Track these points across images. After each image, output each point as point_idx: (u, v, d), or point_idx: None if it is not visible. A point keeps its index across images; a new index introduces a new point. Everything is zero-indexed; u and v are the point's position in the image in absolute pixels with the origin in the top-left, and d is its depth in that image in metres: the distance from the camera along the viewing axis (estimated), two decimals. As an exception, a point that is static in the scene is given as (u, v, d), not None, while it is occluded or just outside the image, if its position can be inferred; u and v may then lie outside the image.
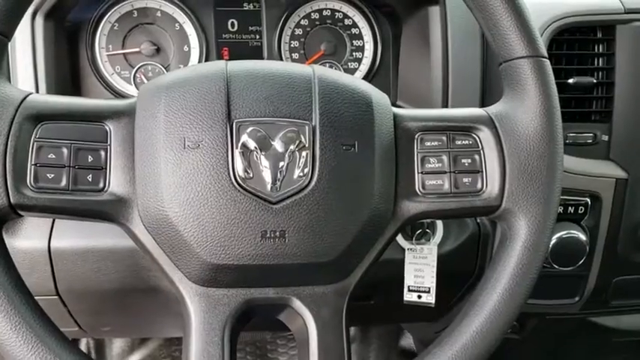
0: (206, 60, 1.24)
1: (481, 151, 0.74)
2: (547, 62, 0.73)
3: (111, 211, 0.68)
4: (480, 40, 1.14)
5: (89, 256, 1.05)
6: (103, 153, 0.68)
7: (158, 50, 1.23)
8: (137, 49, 1.21)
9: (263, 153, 0.66)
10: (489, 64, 1.15)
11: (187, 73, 0.71)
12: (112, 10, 1.20)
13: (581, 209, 1.11)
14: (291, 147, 0.67)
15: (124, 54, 1.22)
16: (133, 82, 1.22)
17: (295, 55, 1.29)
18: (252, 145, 0.66)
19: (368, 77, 1.31)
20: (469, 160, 0.74)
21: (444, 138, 0.75)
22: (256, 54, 1.27)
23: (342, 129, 0.69)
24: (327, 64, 1.30)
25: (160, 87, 0.70)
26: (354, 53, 1.31)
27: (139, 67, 1.22)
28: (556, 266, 1.11)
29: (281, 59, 1.28)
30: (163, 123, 0.67)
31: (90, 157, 0.67)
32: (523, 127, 0.73)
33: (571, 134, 1.11)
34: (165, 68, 1.23)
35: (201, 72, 0.70)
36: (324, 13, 1.29)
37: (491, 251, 1.17)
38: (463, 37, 1.13)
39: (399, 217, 0.72)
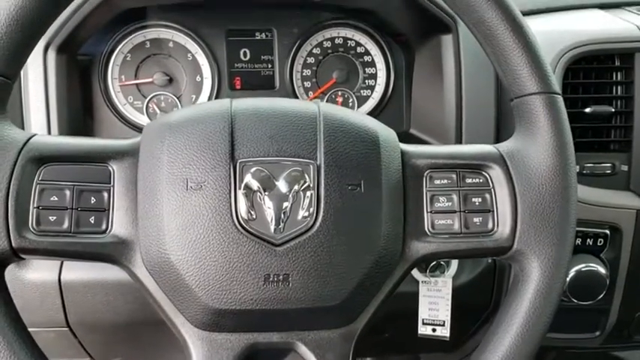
0: (218, 89, 1.24)
1: (492, 190, 0.72)
2: (559, 98, 0.70)
3: (113, 253, 0.67)
4: (493, 69, 1.12)
5: (99, 289, 1.05)
6: (105, 194, 0.67)
7: (171, 80, 1.23)
8: (150, 80, 1.22)
9: (267, 193, 0.65)
10: (504, 93, 1.13)
11: (191, 112, 0.71)
12: (125, 42, 1.21)
13: (601, 241, 1.07)
14: (295, 187, 0.66)
15: (136, 84, 1.22)
16: (145, 113, 1.22)
17: (307, 84, 1.28)
18: (255, 185, 0.65)
19: (381, 105, 1.30)
20: (480, 199, 0.72)
21: (454, 176, 0.73)
22: (268, 83, 1.27)
23: (347, 168, 0.68)
24: (340, 93, 1.29)
25: (163, 126, 0.69)
26: (366, 81, 1.30)
27: (151, 98, 1.23)
28: (575, 300, 1.07)
29: (293, 88, 1.27)
30: (166, 164, 0.66)
31: (93, 198, 0.67)
32: (535, 165, 0.70)
33: (589, 164, 1.08)
34: (177, 98, 1.23)
35: (206, 111, 0.70)
36: (337, 41, 1.28)
37: (508, 284, 1.14)
38: (476, 65, 1.12)
39: (407, 258, 0.70)
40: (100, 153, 0.69)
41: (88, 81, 1.20)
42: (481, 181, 0.72)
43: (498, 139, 1.13)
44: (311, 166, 0.67)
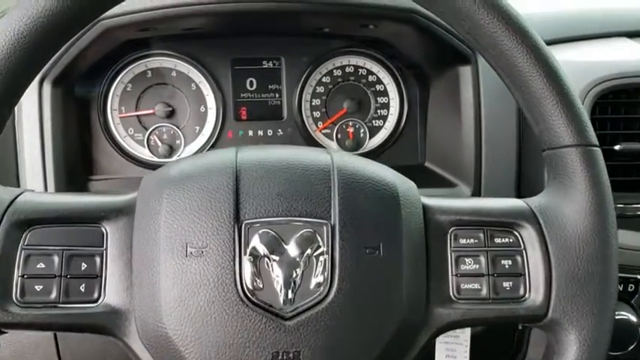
0: (223, 120, 1.18)
1: (523, 252, 0.65)
2: (598, 152, 0.64)
3: (106, 324, 0.60)
4: (515, 102, 1.05)
5: (95, 337, 0.98)
6: (98, 259, 0.61)
7: (173, 111, 1.17)
8: (151, 111, 1.16)
9: (275, 259, 0.59)
10: (526, 127, 1.06)
11: (192, 165, 0.64)
12: (125, 71, 1.15)
13: (631, 287, 1.00)
14: (308, 251, 0.59)
15: (137, 116, 1.16)
16: (146, 145, 1.17)
17: (317, 114, 1.22)
18: (262, 250, 0.59)
19: (394, 136, 1.23)
20: (510, 262, 0.65)
21: (481, 235, 0.66)
22: (276, 113, 1.21)
23: (365, 229, 0.61)
24: (350, 123, 1.23)
25: (161, 182, 0.63)
26: (378, 111, 1.24)
27: (152, 130, 1.17)
28: (604, 350, 1.00)
29: (302, 118, 1.21)
30: (164, 225, 0.60)
31: (83, 264, 0.60)
32: (571, 225, 0.63)
33: (619, 205, 1.01)
34: (180, 130, 1.17)
35: (208, 164, 0.63)
36: (347, 69, 1.22)
37: (529, 331, 1.07)
38: (497, 98, 1.05)
39: (430, 327, 0.64)
40: (91, 212, 0.62)
41: (86, 113, 1.14)
42: (511, 241, 0.66)
43: (520, 176, 1.06)
44: (324, 227, 0.60)
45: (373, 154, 1.23)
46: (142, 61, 1.15)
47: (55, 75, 0.99)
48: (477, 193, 1.06)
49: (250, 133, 1.20)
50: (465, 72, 1.06)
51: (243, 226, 0.59)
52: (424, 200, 0.68)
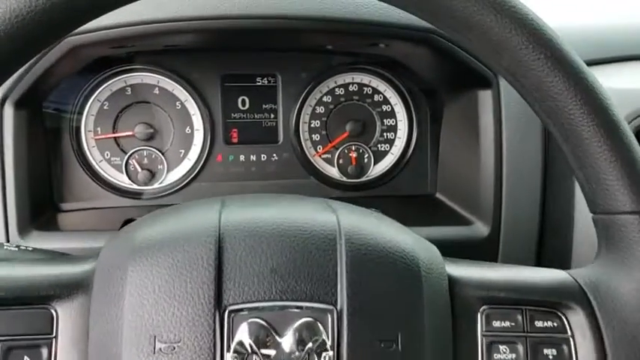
0: (211, 143, 1.06)
1: (571, 340, 0.53)
2: None
3: None
4: (540, 129, 0.94)
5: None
6: (45, 351, 0.49)
7: (155, 133, 1.04)
8: (130, 133, 1.03)
9: (267, 356, 0.47)
10: (552, 160, 0.94)
11: (164, 229, 0.52)
12: (102, 88, 1.02)
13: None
14: (308, 345, 0.47)
15: (114, 138, 1.04)
16: (124, 171, 1.04)
17: (316, 137, 1.10)
18: (250, 344, 0.47)
19: (401, 162, 1.11)
20: (554, 352, 0.53)
21: (519, 317, 0.54)
22: (270, 136, 1.09)
23: (379, 315, 0.49)
24: (353, 147, 1.10)
25: (124, 253, 0.50)
26: (385, 134, 1.11)
27: (132, 153, 1.04)
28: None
29: (299, 141, 1.09)
30: (128, 311, 0.47)
31: (26, 358, 0.48)
32: (631, 309, 0.52)
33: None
34: (162, 154, 1.05)
35: (184, 230, 0.51)
36: (351, 88, 1.10)
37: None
38: (520, 126, 0.93)
39: None
40: (38, 290, 0.50)
41: (57, 135, 1.01)
42: (556, 325, 0.54)
43: (544, 216, 0.95)
44: (329, 315, 0.48)
45: (378, 182, 1.11)
46: (120, 77, 1.03)
47: (18, 95, 0.86)
48: (495, 233, 0.94)
49: (242, 157, 1.08)
50: (485, 96, 0.93)
51: (226, 313, 0.47)
52: (450, 270, 0.56)
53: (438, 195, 1.09)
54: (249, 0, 0.79)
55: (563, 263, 0.92)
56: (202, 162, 1.06)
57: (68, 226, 0.96)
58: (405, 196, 1.11)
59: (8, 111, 0.86)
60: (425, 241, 0.58)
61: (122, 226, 0.89)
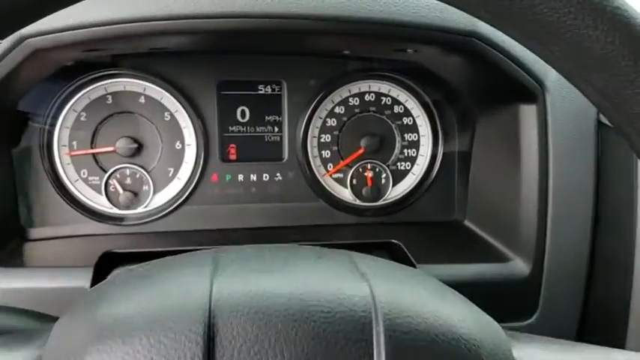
0: (205, 160, 0.91)
1: None
2: None
3: None
4: (593, 152, 0.79)
5: None
6: None
7: (140, 148, 0.90)
8: (111, 148, 0.89)
9: None
10: (605, 183, 0.80)
11: (137, 306, 0.38)
12: (78, 96, 0.88)
13: None
14: None
15: (93, 154, 0.89)
16: (104, 193, 0.89)
17: (326, 153, 0.95)
18: None
19: (424, 184, 0.97)
20: None
21: None
22: (274, 152, 0.94)
23: None
24: (369, 166, 0.96)
25: (82, 337, 0.36)
26: (405, 150, 0.97)
27: (113, 172, 0.90)
28: None
29: (307, 159, 0.94)
30: None
31: None
32: None
33: None
34: (148, 173, 0.90)
35: (163, 310, 0.37)
36: (367, 97, 0.95)
37: None
38: (569, 146, 0.79)
39: None
40: None
41: (25, 150, 0.87)
42: None
43: (596, 248, 0.80)
44: None
45: (397, 206, 0.97)
46: (100, 83, 0.88)
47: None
48: (537, 272, 0.80)
49: (240, 177, 0.93)
50: (529, 111, 0.79)
51: None
52: (518, 355, 0.42)
53: (467, 223, 0.95)
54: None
55: (619, 311, 0.77)
56: (194, 182, 0.91)
57: (36, 259, 0.82)
58: (427, 223, 0.97)
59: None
60: (484, 316, 0.43)
61: (99, 260, 0.75)
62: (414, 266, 0.78)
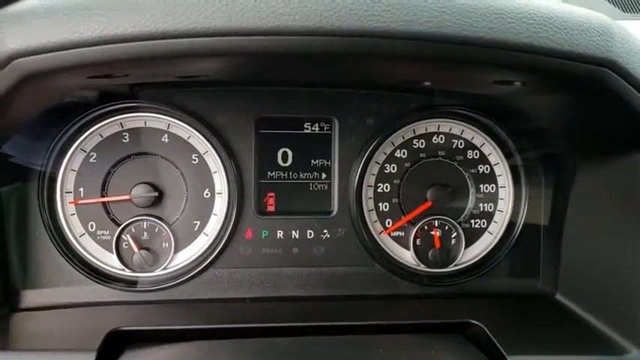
0: (239, 213, 0.76)
1: None
2: None
3: None
4: None
5: None
6: None
7: (160, 197, 0.74)
8: (126, 197, 0.73)
9: None
10: None
11: None
12: (88, 132, 0.73)
13: None
14: None
15: (103, 204, 0.74)
16: (115, 250, 0.73)
17: (384, 206, 0.79)
18: None
19: (503, 245, 0.80)
20: None
21: None
22: (321, 204, 0.78)
23: None
24: (437, 223, 0.79)
25: None
26: (481, 205, 0.80)
27: (126, 225, 0.74)
28: None
29: (361, 213, 0.78)
30: None
31: None
32: None
33: None
34: (168, 227, 0.74)
35: None
36: (435, 139, 0.79)
37: None
38: None
39: None
40: None
41: (19, 196, 0.72)
42: None
43: None
44: None
45: (470, 273, 0.80)
46: (115, 118, 0.74)
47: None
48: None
49: (280, 234, 0.77)
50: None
51: None
52: None
53: (558, 297, 0.76)
54: (321, 5, 0.45)
55: None
56: (225, 239, 0.75)
57: (27, 338, 0.66)
58: (507, 295, 0.78)
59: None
60: None
61: (104, 341, 0.59)
62: (504, 358, 0.60)
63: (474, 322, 0.67)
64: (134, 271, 0.74)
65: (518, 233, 0.80)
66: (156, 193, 0.74)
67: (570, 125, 0.69)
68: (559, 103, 0.63)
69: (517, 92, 0.61)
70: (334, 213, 0.78)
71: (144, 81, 0.66)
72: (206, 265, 0.75)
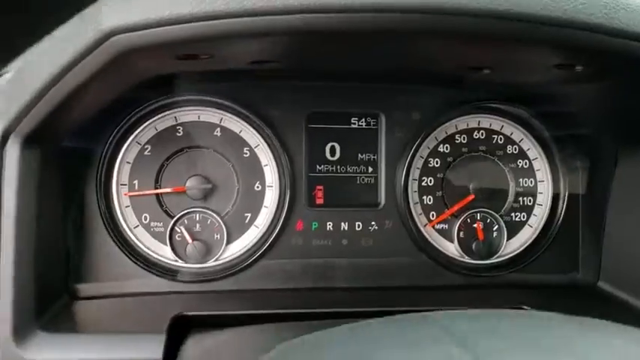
0: (290, 205, 0.77)
1: None
2: None
3: None
4: None
5: None
6: None
7: (213, 190, 0.76)
8: (180, 188, 0.74)
9: None
10: None
11: None
12: (144, 126, 0.74)
13: None
14: None
15: (157, 195, 0.75)
16: (168, 242, 0.74)
17: (428, 199, 0.81)
18: None
19: (543, 237, 0.81)
20: None
21: None
22: (368, 197, 0.80)
23: None
24: (479, 216, 0.81)
25: None
26: (520, 199, 0.82)
27: (180, 217, 0.75)
28: None
29: (407, 205, 0.79)
30: None
31: None
32: None
33: None
34: (221, 218, 0.76)
35: None
36: (476, 135, 0.82)
37: None
38: None
39: None
40: None
41: (78, 188, 0.72)
42: None
43: None
44: None
45: (512, 265, 0.81)
46: (169, 112, 0.75)
47: (29, 128, 0.57)
48: None
49: (329, 226, 0.78)
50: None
51: None
52: None
53: (601, 285, 0.78)
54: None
55: None
56: (276, 231, 0.76)
57: (89, 323, 0.66)
58: (549, 285, 0.80)
59: (12, 151, 0.58)
60: None
61: (170, 325, 0.59)
62: None
63: (525, 307, 0.68)
64: (187, 262, 0.75)
65: (558, 225, 0.82)
66: (210, 185, 0.75)
67: (615, 114, 0.72)
68: (608, 89, 0.66)
69: (570, 79, 0.64)
70: (381, 205, 0.79)
71: (223, 67, 0.66)
72: (258, 257, 0.76)
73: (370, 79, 0.78)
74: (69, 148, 0.68)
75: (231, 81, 0.75)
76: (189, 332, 0.62)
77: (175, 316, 0.62)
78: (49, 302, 0.64)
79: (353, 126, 0.80)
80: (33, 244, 0.60)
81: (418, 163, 0.80)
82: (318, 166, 0.79)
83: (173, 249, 0.75)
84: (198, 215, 0.76)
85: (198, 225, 0.76)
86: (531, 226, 0.82)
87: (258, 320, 0.64)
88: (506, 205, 0.82)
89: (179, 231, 0.75)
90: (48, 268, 0.64)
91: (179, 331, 0.62)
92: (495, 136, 0.82)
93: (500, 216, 0.81)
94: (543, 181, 0.82)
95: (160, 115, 0.75)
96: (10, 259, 0.58)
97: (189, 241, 0.75)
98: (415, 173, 0.80)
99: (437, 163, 0.81)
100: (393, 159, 0.79)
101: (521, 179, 0.82)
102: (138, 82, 0.61)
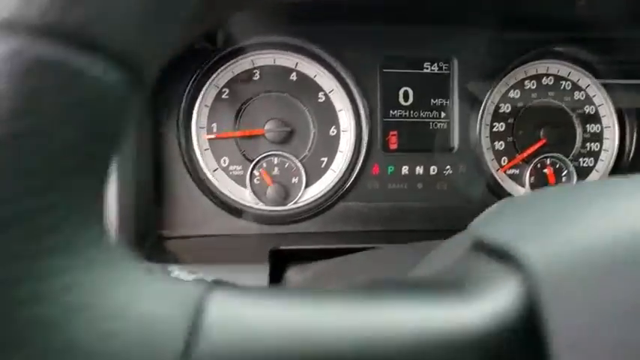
0: (368, 149, 0.77)
1: None
2: None
3: None
4: None
5: None
6: None
7: (291, 134, 0.75)
8: (259, 131, 0.74)
9: None
10: None
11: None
12: (221, 69, 0.74)
13: None
14: None
15: (236, 138, 0.75)
16: (249, 185, 0.74)
17: (499, 145, 0.81)
18: None
19: (610, 182, 0.82)
20: None
21: None
22: (441, 141, 0.80)
23: None
24: (549, 161, 0.81)
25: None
26: (587, 144, 0.83)
27: (259, 160, 0.75)
28: None
29: (481, 150, 0.80)
30: None
31: None
32: None
33: None
34: (300, 161, 0.75)
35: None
36: (544, 81, 0.82)
37: None
38: None
39: None
40: None
41: (157, 131, 0.72)
42: None
43: None
44: None
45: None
46: (246, 55, 0.74)
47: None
48: None
49: (404, 170, 0.78)
50: None
51: None
52: None
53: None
54: None
55: None
56: (354, 175, 0.76)
57: (180, 258, 0.66)
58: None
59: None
60: None
61: (270, 258, 0.59)
62: None
63: None
64: (267, 205, 0.75)
65: (626, 170, 0.83)
66: (289, 128, 0.75)
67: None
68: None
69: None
70: (455, 149, 0.79)
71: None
72: (336, 200, 0.76)
73: (442, 20, 0.78)
74: (156, 89, 0.68)
75: (307, 24, 0.75)
76: (287, 265, 0.62)
77: (273, 249, 0.62)
78: (142, 239, 0.64)
79: (425, 70, 0.80)
80: (134, 184, 0.60)
81: (490, 108, 0.81)
82: (391, 111, 0.79)
83: (253, 191, 0.74)
84: (276, 159, 0.75)
85: (276, 168, 0.75)
86: (598, 172, 0.83)
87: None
88: (574, 151, 0.83)
89: (258, 174, 0.75)
90: (142, 208, 0.64)
91: (277, 264, 0.62)
92: (563, 82, 0.83)
93: (570, 159, 0.82)
94: (609, 127, 0.83)
95: (236, 59, 0.74)
96: (113, 195, 0.58)
97: (269, 183, 0.74)
98: (487, 118, 0.81)
99: (507, 109, 0.81)
100: (466, 105, 0.80)
101: (588, 125, 0.83)
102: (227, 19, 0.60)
